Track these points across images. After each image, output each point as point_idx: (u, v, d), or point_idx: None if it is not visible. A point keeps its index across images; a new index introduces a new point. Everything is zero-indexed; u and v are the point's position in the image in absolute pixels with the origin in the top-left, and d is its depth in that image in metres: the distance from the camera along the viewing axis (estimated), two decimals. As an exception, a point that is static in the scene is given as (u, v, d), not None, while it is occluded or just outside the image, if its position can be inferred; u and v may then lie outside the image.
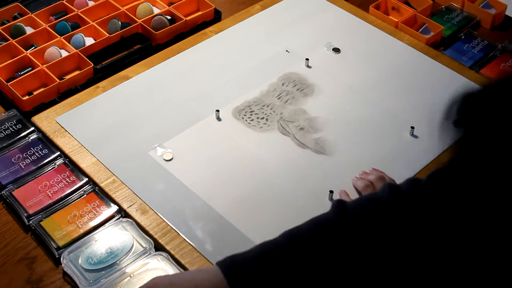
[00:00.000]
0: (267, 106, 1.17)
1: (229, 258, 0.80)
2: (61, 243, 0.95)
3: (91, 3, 1.37)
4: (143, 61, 1.25)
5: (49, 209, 1.00)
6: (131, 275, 0.91)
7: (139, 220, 0.98)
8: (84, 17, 1.32)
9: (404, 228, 0.78)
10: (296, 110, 1.16)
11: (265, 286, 0.78)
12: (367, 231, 0.78)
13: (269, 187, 1.04)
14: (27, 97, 1.17)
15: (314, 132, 1.12)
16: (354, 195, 1.02)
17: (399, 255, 0.77)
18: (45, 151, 1.08)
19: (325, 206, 1.01)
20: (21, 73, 1.22)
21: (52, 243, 0.95)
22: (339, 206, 0.81)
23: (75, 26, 1.31)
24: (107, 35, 1.28)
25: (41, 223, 0.98)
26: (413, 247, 0.77)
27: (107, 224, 0.97)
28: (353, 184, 1.04)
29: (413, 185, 0.81)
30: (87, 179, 1.04)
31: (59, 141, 1.10)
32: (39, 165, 1.06)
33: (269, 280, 0.77)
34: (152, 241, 0.95)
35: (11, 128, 1.12)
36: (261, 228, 0.98)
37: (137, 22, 1.32)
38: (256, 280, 0.77)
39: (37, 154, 1.07)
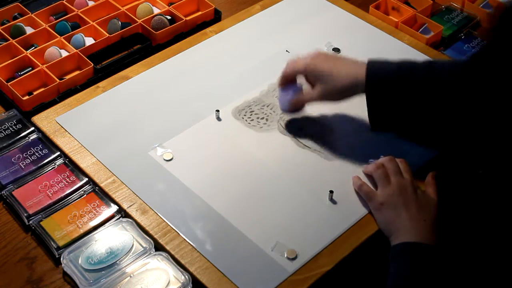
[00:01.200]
0: (267, 106, 1.17)
1: (376, 63, 1.04)
2: (61, 243, 0.95)
3: (91, 3, 1.37)
4: (143, 61, 1.25)
5: (49, 209, 1.00)
6: (131, 275, 0.91)
7: (139, 220, 0.98)
8: (84, 17, 1.32)
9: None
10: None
11: (396, 100, 1.01)
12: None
13: (269, 187, 1.04)
14: (27, 97, 1.17)
15: (313, 132, 1.12)
16: (353, 195, 1.03)
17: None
18: (45, 151, 1.08)
19: (325, 206, 1.01)
20: (21, 73, 1.22)
21: (52, 243, 0.95)
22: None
23: (75, 26, 1.31)
24: (107, 35, 1.28)
25: (41, 223, 0.98)
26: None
27: (107, 224, 0.98)
28: (364, 171, 1.05)
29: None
30: (87, 179, 1.04)
31: (59, 141, 1.10)
32: (39, 165, 1.06)
33: (402, 95, 1.01)
34: (152, 241, 0.95)
35: (11, 128, 1.12)
36: (261, 228, 0.98)
37: (137, 22, 1.32)
38: (389, 92, 1.01)
39: (37, 154, 1.07)
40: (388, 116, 1.05)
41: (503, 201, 0.93)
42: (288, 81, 1.10)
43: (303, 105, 1.11)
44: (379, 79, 1.02)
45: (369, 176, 1.04)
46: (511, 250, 0.95)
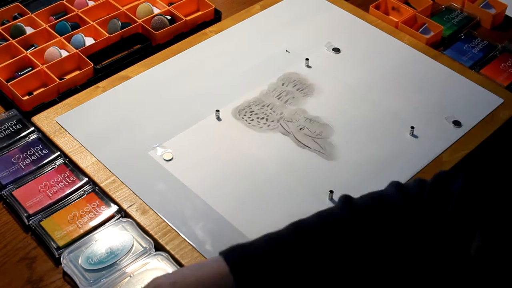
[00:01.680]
0: (267, 106, 1.17)
1: (233, 250, 0.78)
2: (61, 243, 0.95)
3: (91, 3, 1.37)
4: (143, 61, 1.25)
5: (49, 209, 1.00)
6: (131, 275, 0.91)
7: (139, 220, 0.98)
8: (84, 17, 1.32)
9: (409, 228, 0.78)
10: (296, 110, 1.16)
11: (271, 279, 0.75)
12: (373, 228, 0.77)
13: (269, 187, 1.04)
14: (27, 97, 1.17)
15: (314, 132, 1.13)
16: (353, 195, 1.02)
17: (403, 254, 0.77)
18: (45, 151, 1.08)
19: (325, 206, 1.01)
20: (21, 73, 1.22)
21: (52, 243, 0.95)
22: (347, 201, 0.80)
23: (75, 26, 1.31)
24: (107, 35, 1.28)
25: (41, 223, 0.98)
26: (417, 247, 0.77)
27: (107, 224, 0.98)
28: None
29: (420, 185, 0.80)
30: (87, 179, 1.04)
31: (59, 141, 1.10)
32: (39, 165, 1.06)
33: (275, 273, 0.75)
34: (152, 241, 0.95)
35: (11, 128, 1.12)
36: (261, 228, 0.97)
37: (137, 22, 1.32)
38: (262, 273, 0.75)
39: (37, 154, 1.07)
40: None
41: None
42: None
43: None
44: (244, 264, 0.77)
45: None
46: None
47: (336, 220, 0.79)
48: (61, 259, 0.93)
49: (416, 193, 0.80)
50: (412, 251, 0.77)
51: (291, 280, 0.76)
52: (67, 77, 1.22)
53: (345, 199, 0.81)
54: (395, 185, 0.82)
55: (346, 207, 0.79)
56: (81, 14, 1.33)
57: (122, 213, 1.00)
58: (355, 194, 1.02)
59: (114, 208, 1.00)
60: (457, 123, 1.14)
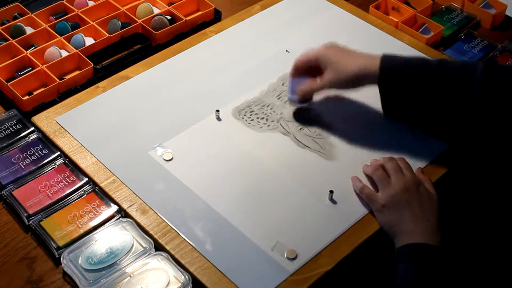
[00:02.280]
0: (267, 106, 1.17)
1: (390, 57, 1.05)
2: (61, 243, 0.95)
3: (91, 3, 1.37)
4: (143, 61, 1.25)
5: (49, 209, 1.00)
6: (131, 275, 0.91)
7: (139, 220, 0.98)
8: (84, 17, 1.32)
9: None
10: (296, 110, 1.16)
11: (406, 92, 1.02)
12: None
13: (269, 187, 1.04)
14: (27, 97, 1.17)
15: (314, 132, 1.13)
16: (353, 195, 1.03)
17: None
18: (45, 151, 1.08)
19: (325, 206, 1.01)
20: (21, 73, 1.22)
21: (52, 243, 0.95)
22: (491, 62, 1.01)
23: (75, 26, 1.31)
24: (107, 35, 1.28)
25: (41, 223, 0.98)
26: None
27: (107, 224, 0.98)
28: (363, 170, 1.05)
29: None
30: (87, 179, 1.04)
31: (59, 141, 1.10)
32: (39, 165, 1.06)
33: (411, 80, 1.02)
34: (152, 241, 0.95)
35: (11, 128, 1.12)
36: (261, 228, 0.98)
37: (137, 22, 1.32)
38: (402, 71, 1.02)
39: (37, 154, 1.07)
40: (400, 106, 1.06)
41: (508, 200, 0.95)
42: (299, 71, 1.12)
43: (311, 94, 1.12)
44: (392, 70, 1.03)
45: (369, 176, 1.04)
46: None
47: (475, 70, 1.00)
48: (61, 259, 0.93)
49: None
50: None
51: (424, 99, 1.03)
52: (67, 77, 1.22)
53: (491, 62, 1.06)
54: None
55: (489, 64, 1.00)
56: (81, 14, 1.33)
57: (122, 213, 1.00)
58: (355, 194, 1.03)
59: (114, 208, 1.00)
60: (457, 123, 1.14)
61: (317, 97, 1.18)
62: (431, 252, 0.91)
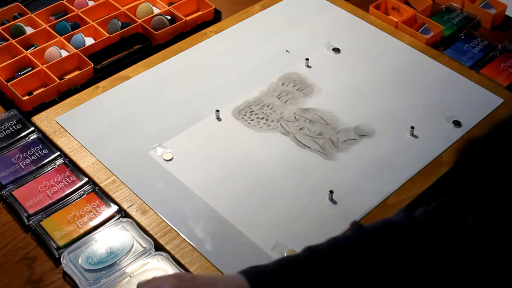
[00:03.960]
0: (267, 106, 1.17)
1: (251, 268, 0.81)
2: (61, 243, 0.95)
3: (91, 3, 1.37)
4: (143, 61, 1.25)
5: (49, 209, 1.00)
6: (131, 275, 0.91)
7: (139, 220, 0.98)
8: (84, 17, 1.32)
9: (417, 250, 0.81)
10: (296, 110, 1.16)
11: None
12: (383, 250, 0.81)
13: (269, 187, 1.04)
14: (27, 97, 1.17)
15: (314, 132, 1.13)
16: (353, 195, 1.03)
17: (412, 275, 0.81)
18: (45, 151, 1.08)
19: (325, 206, 1.01)
20: (21, 73, 1.22)
21: (52, 243, 0.95)
22: (357, 227, 0.85)
23: (75, 26, 1.31)
24: (107, 35, 1.28)
25: (41, 223, 0.98)
26: (426, 269, 0.81)
27: (107, 224, 0.98)
28: None
29: (425, 212, 0.85)
30: (87, 179, 1.04)
31: (59, 141, 1.10)
32: (39, 165, 1.06)
33: None
34: (152, 241, 0.95)
35: (11, 128, 1.12)
36: (261, 228, 0.98)
37: (137, 22, 1.32)
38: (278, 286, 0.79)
39: (37, 154, 1.07)
40: None
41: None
42: None
43: None
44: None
45: None
46: None
47: (348, 243, 0.83)
48: (61, 259, 0.93)
49: (423, 214, 0.84)
50: (419, 272, 0.81)
51: None
52: (67, 77, 1.22)
53: (356, 225, 0.85)
54: (403, 210, 0.86)
55: (357, 231, 0.84)
56: (81, 14, 1.33)
57: (122, 213, 1.00)
58: (355, 194, 1.03)
59: (114, 208, 1.00)
60: (457, 123, 1.14)
61: (317, 97, 1.18)
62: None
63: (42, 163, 1.06)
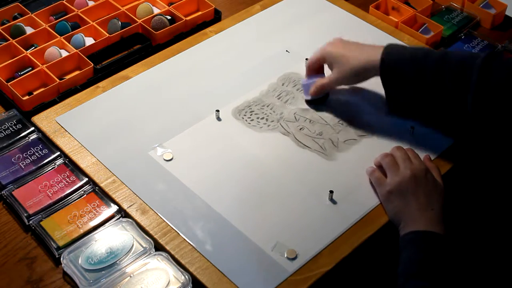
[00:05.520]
0: (267, 106, 1.17)
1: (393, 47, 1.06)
2: (61, 243, 0.95)
3: (91, 3, 1.37)
4: (143, 61, 1.25)
5: (49, 209, 1.00)
6: (131, 275, 0.91)
7: (139, 220, 0.98)
8: (84, 17, 1.32)
9: None
10: (296, 110, 1.16)
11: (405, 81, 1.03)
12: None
13: (269, 187, 1.04)
14: (27, 97, 1.17)
15: (314, 132, 1.13)
16: (353, 195, 1.03)
17: None
18: (45, 151, 1.08)
19: (325, 206, 1.01)
20: (21, 73, 1.22)
21: (52, 243, 0.95)
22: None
23: (75, 26, 1.31)
24: (107, 35, 1.28)
25: (41, 223, 0.98)
26: None
27: (107, 224, 0.98)
28: (374, 162, 1.05)
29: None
30: (87, 179, 1.04)
31: (59, 141, 1.10)
32: (39, 165, 1.06)
33: (410, 70, 1.02)
34: (152, 241, 0.95)
35: (11, 128, 1.12)
36: (261, 228, 0.98)
37: (137, 22, 1.32)
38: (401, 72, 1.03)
39: (37, 154, 1.07)
40: (402, 99, 1.08)
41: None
42: (311, 70, 1.15)
43: (323, 90, 1.14)
44: (393, 63, 1.04)
45: (380, 167, 1.04)
46: None
47: (472, 65, 0.99)
48: (61, 259, 0.93)
49: None
50: None
51: (425, 91, 1.03)
52: (67, 77, 1.22)
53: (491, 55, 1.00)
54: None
55: (485, 60, 0.99)
56: (81, 14, 1.33)
57: (122, 213, 1.00)
58: (355, 194, 1.03)
59: (114, 208, 1.00)
60: (457, 123, 1.14)
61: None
62: (435, 239, 0.92)
63: (42, 163, 1.06)
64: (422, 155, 1.08)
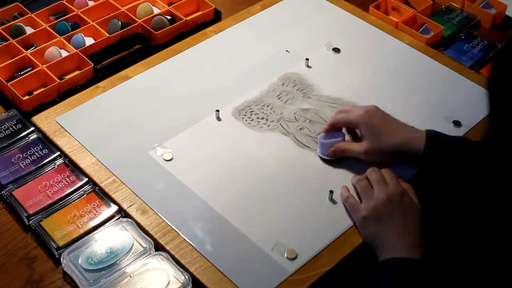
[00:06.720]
0: (267, 106, 1.17)
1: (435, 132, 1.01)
2: (61, 243, 0.95)
3: (91, 3, 1.37)
4: (143, 61, 1.25)
5: (49, 209, 1.00)
6: (131, 275, 0.91)
7: (139, 220, 0.98)
8: (84, 17, 1.32)
9: None
10: (296, 110, 1.16)
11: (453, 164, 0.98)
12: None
13: (269, 187, 1.04)
14: (27, 97, 1.17)
15: (314, 132, 1.12)
16: (353, 195, 1.02)
17: None
18: (45, 151, 1.08)
19: (325, 206, 1.01)
20: (21, 73, 1.22)
21: (52, 243, 0.95)
22: None
23: (75, 26, 1.31)
24: (107, 35, 1.28)
25: (41, 223, 0.98)
26: None
27: (107, 224, 0.98)
28: (351, 181, 1.03)
29: None
30: (87, 179, 1.04)
31: (59, 141, 1.10)
32: (39, 165, 1.06)
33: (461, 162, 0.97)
34: (152, 241, 0.95)
35: (11, 128, 1.12)
36: (261, 228, 0.98)
37: (137, 22, 1.32)
38: (447, 155, 0.98)
39: (37, 154, 1.07)
40: (437, 182, 1.02)
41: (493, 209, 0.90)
42: (333, 128, 1.07)
43: (344, 155, 1.06)
44: (437, 153, 0.99)
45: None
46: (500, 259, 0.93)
47: None
48: (61, 259, 0.93)
49: None
50: None
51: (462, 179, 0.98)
52: (67, 77, 1.22)
53: None
54: None
55: None
56: (81, 14, 1.33)
57: (122, 213, 1.00)
58: (355, 194, 1.03)
59: (114, 208, 1.00)
60: (457, 123, 1.14)
61: (317, 97, 1.18)
62: (413, 266, 0.90)
63: (42, 163, 1.06)
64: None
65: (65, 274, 0.94)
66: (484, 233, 0.99)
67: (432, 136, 1.01)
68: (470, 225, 1.07)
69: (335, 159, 1.07)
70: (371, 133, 1.02)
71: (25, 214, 0.99)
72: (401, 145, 1.01)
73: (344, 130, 1.08)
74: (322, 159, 1.08)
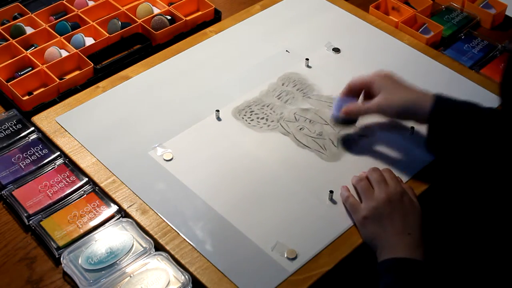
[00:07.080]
0: (267, 106, 1.17)
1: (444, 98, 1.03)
2: (61, 243, 0.95)
3: (91, 3, 1.37)
4: (143, 61, 1.25)
5: (49, 209, 1.00)
6: (131, 275, 0.91)
7: (139, 220, 0.98)
8: (84, 17, 1.32)
9: None
10: (296, 110, 1.16)
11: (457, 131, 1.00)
12: None
13: (269, 187, 1.04)
14: (27, 97, 1.17)
15: (314, 132, 1.13)
16: (353, 195, 1.02)
17: None
18: (45, 151, 1.08)
19: (325, 206, 1.01)
20: (21, 73, 1.22)
21: (52, 243, 0.95)
22: None
23: (75, 26, 1.31)
24: (107, 35, 1.28)
25: (41, 223, 0.98)
26: None
27: (107, 224, 0.98)
28: (351, 181, 1.04)
29: None
30: (87, 179, 1.04)
31: (59, 141, 1.10)
32: (39, 165, 1.06)
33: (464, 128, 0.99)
34: (152, 241, 0.95)
35: (11, 128, 1.12)
36: (261, 228, 0.98)
37: (137, 22, 1.32)
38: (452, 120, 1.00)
39: (37, 154, 1.07)
40: (445, 147, 1.04)
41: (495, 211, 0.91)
42: (351, 92, 1.09)
43: (356, 115, 1.09)
44: (444, 112, 1.01)
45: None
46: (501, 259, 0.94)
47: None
48: (61, 259, 0.93)
49: None
50: None
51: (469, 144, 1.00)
52: (67, 77, 1.22)
53: None
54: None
55: None
56: (81, 14, 1.33)
57: (122, 213, 1.00)
58: (355, 194, 1.03)
59: (114, 208, 1.00)
60: (457, 123, 1.14)
61: (317, 97, 1.18)
62: (413, 267, 0.90)
63: (42, 163, 1.06)
64: (422, 155, 1.08)
65: (65, 274, 0.94)
66: (484, 233, 0.99)
67: (441, 96, 1.03)
68: (470, 225, 1.07)
69: (347, 122, 1.10)
70: (384, 88, 1.05)
71: (25, 214, 0.99)
72: (412, 101, 1.03)
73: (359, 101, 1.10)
74: (335, 123, 1.12)
